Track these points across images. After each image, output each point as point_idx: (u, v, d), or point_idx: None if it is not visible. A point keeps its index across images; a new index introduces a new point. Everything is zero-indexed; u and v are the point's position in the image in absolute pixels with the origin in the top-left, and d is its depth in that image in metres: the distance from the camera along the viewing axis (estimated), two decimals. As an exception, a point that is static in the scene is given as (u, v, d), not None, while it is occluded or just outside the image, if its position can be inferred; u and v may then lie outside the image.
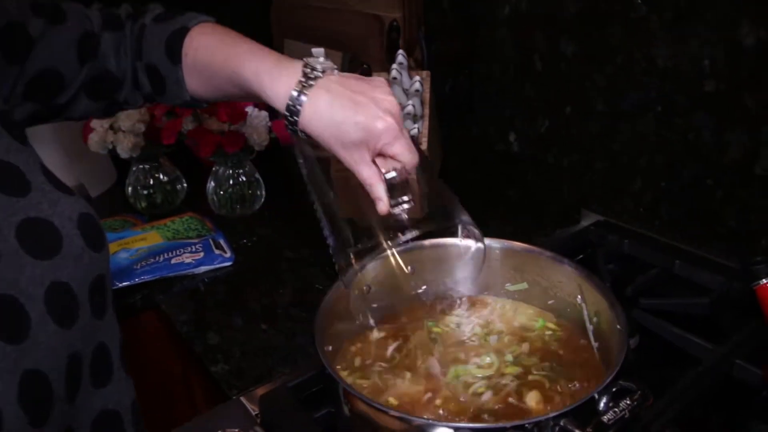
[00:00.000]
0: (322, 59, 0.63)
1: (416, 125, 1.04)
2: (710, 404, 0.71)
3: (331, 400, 0.65)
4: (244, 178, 1.22)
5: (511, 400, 0.63)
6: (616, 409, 0.53)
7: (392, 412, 0.56)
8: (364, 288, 0.73)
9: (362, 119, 0.59)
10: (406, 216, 0.64)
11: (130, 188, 1.25)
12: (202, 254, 1.06)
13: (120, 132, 1.14)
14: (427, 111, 1.06)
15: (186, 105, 0.74)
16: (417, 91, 1.05)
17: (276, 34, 1.53)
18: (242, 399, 0.76)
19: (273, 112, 1.17)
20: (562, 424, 0.52)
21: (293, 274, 1.04)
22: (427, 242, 0.75)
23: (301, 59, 0.63)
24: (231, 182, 1.21)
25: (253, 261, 1.09)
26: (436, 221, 0.67)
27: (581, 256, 0.96)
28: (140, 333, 1.01)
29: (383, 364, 0.71)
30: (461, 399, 0.64)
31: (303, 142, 0.66)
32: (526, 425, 0.53)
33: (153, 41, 0.70)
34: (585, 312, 0.71)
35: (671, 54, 0.92)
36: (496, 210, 1.18)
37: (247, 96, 0.68)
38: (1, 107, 0.61)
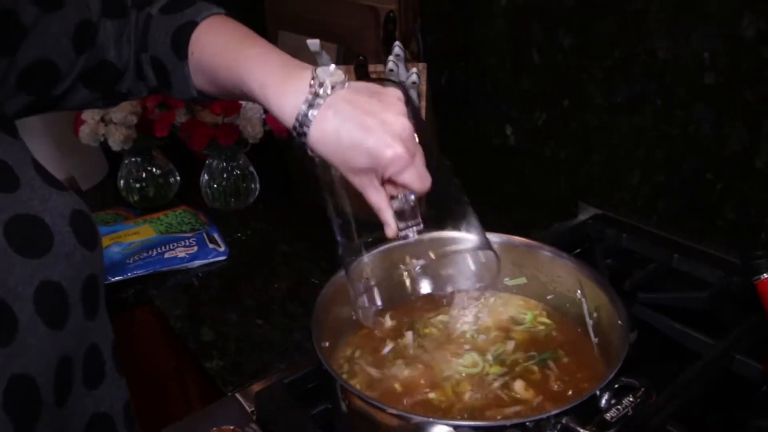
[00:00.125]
0: (332, 68, 0.58)
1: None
2: (710, 399, 0.71)
3: (328, 397, 0.65)
4: (239, 171, 1.21)
5: (500, 394, 0.63)
6: (619, 407, 0.52)
7: (390, 410, 0.55)
8: (364, 281, 0.72)
9: (370, 146, 0.56)
10: (416, 236, 0.62)
11: (122, 181, 1.24)
12: (195, 248, 1.04)
13: (111, 124, 1.12)
14: (423, 103, 1.05)
15: (193, 101, 0.71)
16: (414, 83, 1.04)
17: (270, 26, 1.52)
18: (237, 395, 0.75)
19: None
20: (564, 422, 0.51)
21: (288, 268, 1.03)
22: (427, 236, 0.74)
23: (310, 69, 0.59)
24: (225, 175, 1.20)
25: (248, 255, 1.07)
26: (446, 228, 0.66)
27: (579, 250, 0.96)
28: (133, 328, 1.00)
29: (377, 360, 0.70)
30: (454, 397, 0.63)
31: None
32: (527, 423, 0.52)
33: (159, 34, 0.66)
34: (585, 307, 0.70)
35: (671, 46, 0.91)
36: (493, 203, 1.17)
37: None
38: None
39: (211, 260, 1.04)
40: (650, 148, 0.98)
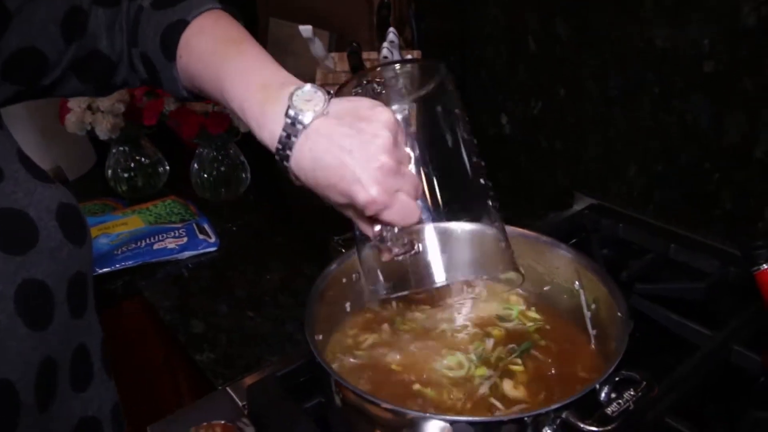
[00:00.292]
0: (311, 90, 0.53)
1: (406, 106, 1.01)
2: (708, 391, 0.70)
3: (322, 390, 0.63)
4: (229, 161, 1.19)
5: (494, 402, 0.61)
6: (620, 401, 0.51)
7: (385, 405, 0.54)
8: (353, 276, 0.70)
9: (344, 189, 0.52)
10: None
11: (109, 171, 1.22)
12: (185, 239, 1.03)
13: (99, 112, 1.10)
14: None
15: (184, 99, 0.68)
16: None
17: (261, 13, 1.49)
18: (228, 389, 0.74)
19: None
20: (563, 416, 0.50)
21: (280, 259, 1.01)
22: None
23: (290, 91, 0.53)
24: (215, 165, 1.18)
25: (239, 246, 1.06)
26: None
27: (574, 240, 0.95)
28: (122, 321, 0.98)
29: (365, 351, 0.68)
30: (444, 395, 0.62)
31: None
32: (526, 418, 0.51)
33: (149, 31, 0.63)
34: (583, 298, 0.69)
35: (669, 34, 0.89)
36: (488, 194, 1.16)
37: None
38: None
39: (201, 251, 1.03)
40: (647, 138, 0.97)
